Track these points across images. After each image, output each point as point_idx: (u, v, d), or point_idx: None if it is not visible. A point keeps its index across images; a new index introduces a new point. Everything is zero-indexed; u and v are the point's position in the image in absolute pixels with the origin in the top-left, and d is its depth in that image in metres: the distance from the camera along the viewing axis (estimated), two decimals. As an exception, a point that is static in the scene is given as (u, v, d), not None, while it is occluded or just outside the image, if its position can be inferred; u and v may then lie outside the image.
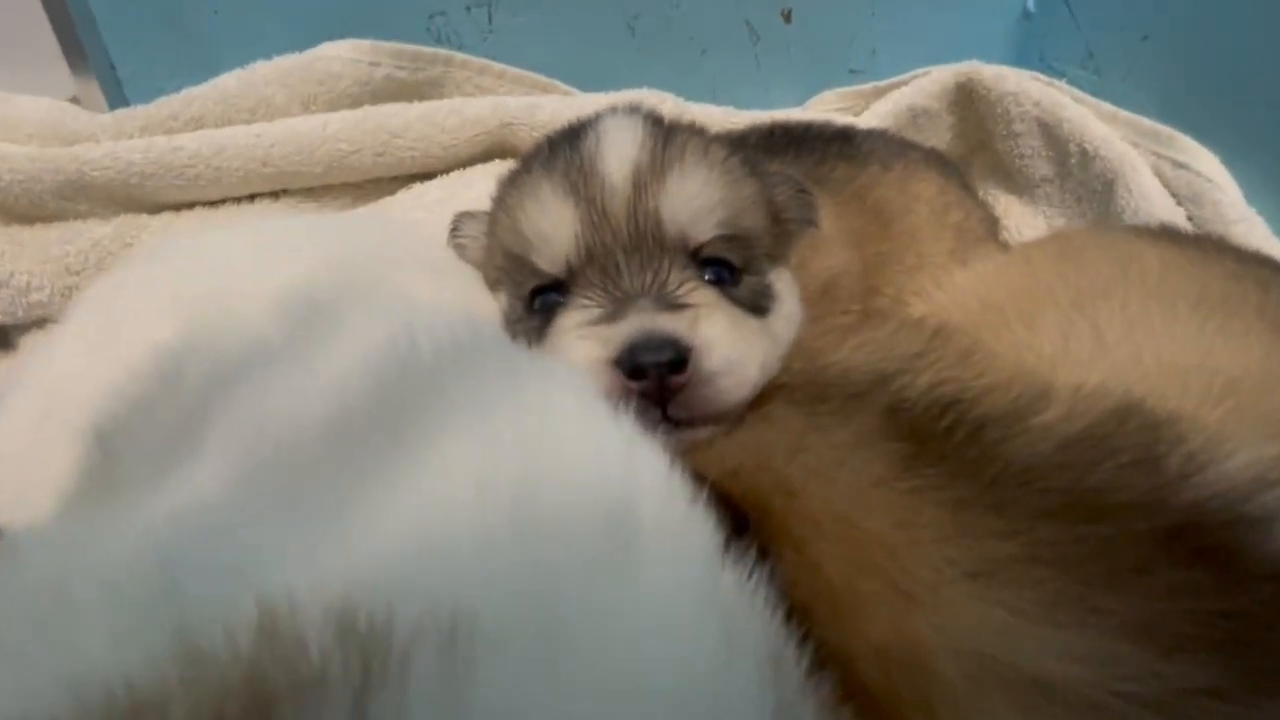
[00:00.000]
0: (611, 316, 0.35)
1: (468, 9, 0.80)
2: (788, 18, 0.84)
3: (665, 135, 0.39)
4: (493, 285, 0.44)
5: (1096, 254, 0.47)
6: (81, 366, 0.42)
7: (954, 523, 0.27)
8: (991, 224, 0.68)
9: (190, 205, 0.71)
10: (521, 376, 0.30)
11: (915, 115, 0.84)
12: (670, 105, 0.79)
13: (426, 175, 0.76)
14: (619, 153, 0.38)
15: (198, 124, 0.71)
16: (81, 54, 0.74)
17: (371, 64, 0.76)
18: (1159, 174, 0.70)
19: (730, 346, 0.35)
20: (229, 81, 0.72)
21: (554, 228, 0.37)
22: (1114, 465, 0.25)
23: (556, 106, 0.76)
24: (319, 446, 0.30)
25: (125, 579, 0.24)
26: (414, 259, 0.49)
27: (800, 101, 0.89)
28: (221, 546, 0.26)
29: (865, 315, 0.50)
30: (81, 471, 0.38)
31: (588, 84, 0.83)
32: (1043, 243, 0.60)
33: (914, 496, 0.28)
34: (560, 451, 0.26)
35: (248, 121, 0.72)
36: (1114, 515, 0.24)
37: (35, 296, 0.67)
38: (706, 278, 0.38)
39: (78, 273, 0.67)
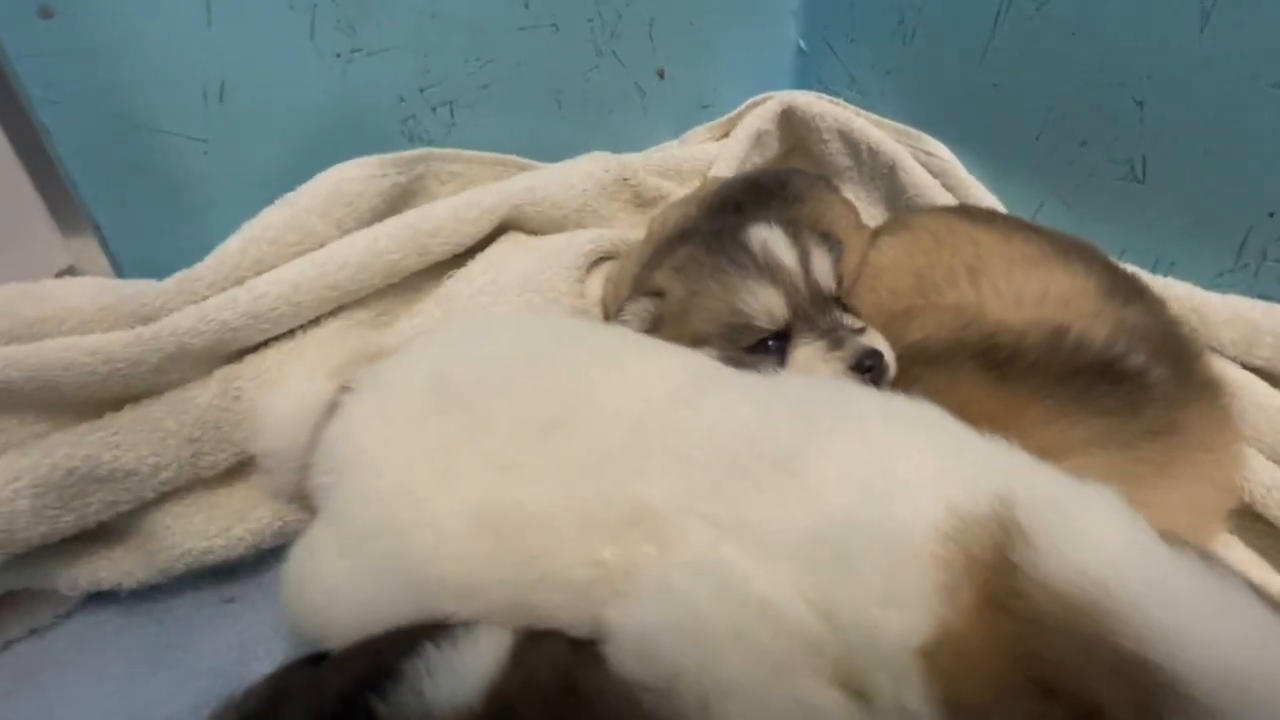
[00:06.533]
0: None
1: (433, 109, 0.90)
2: (661, 75, 1.10)
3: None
4: (696, 344, 0.66)
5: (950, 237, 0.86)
6: None
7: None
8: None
9: (267, 344, 0.75)
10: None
11: (760, 136, 1.17)
12: (614, 163, 1.01)
13: (454, 261, 0.88)
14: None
15: (257, 267, 0.74)
16: (76, 216, 0.70)
17: (381, 176, 0.84)
18: (917, 160, 1.14)
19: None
20: (273, 216, 0.76)
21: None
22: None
23: (546, 183, 0.93)
24: None
25: None
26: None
27: (677, 135, 1.17)
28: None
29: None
30: None
31: (534, 154, 1.00)
32: (915, 234, 0.95)
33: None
34: None
35: (297, 252, 0.77)
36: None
37: (164, 475, 0.68)
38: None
39: (198, 439, 0.69)
